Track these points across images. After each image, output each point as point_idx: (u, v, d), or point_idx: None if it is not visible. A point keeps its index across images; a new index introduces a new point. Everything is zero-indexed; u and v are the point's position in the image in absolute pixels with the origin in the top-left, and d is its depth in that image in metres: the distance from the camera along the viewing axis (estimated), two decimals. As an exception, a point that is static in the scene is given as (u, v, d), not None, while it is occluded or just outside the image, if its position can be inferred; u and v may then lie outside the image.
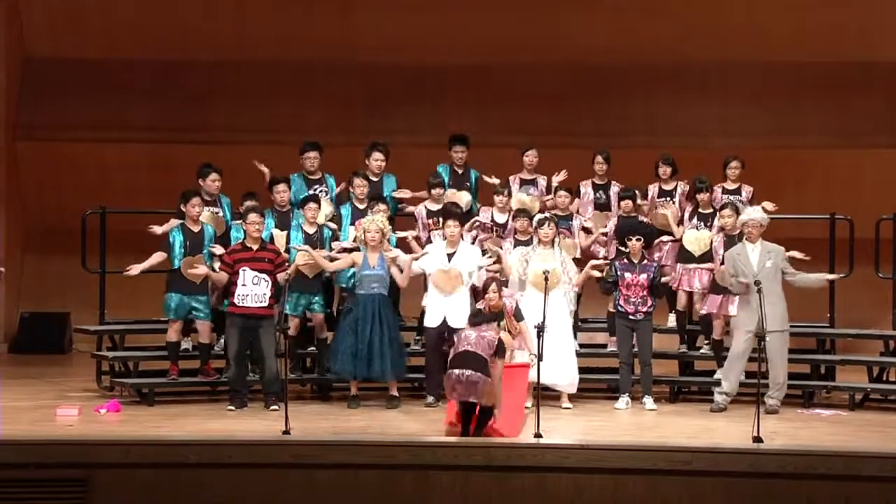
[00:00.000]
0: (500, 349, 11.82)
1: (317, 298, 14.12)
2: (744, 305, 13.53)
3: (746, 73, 18.38)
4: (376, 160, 14.72)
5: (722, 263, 13.78)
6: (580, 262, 14.24)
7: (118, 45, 18.48)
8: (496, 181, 14.80)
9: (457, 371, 11.60)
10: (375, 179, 14.73)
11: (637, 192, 14.70)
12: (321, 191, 14.65)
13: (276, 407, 13.21)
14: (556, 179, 14.78)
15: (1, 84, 18.15)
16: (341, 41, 18.48)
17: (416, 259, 13.85)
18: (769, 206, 14.49)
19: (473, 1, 18.33)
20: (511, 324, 13.14)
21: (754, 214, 13.69)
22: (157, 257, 13.89)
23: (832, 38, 18.06)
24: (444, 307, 13.62)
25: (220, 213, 14.39)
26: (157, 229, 13.87)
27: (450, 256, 13.72)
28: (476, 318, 12.02)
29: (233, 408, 13.39)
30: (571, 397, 13.81)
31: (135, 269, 13.85)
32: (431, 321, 13.71)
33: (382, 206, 14.11)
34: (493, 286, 12.80)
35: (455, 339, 12.07)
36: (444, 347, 13.30)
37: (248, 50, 18.46)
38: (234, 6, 18.60)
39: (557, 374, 13.52)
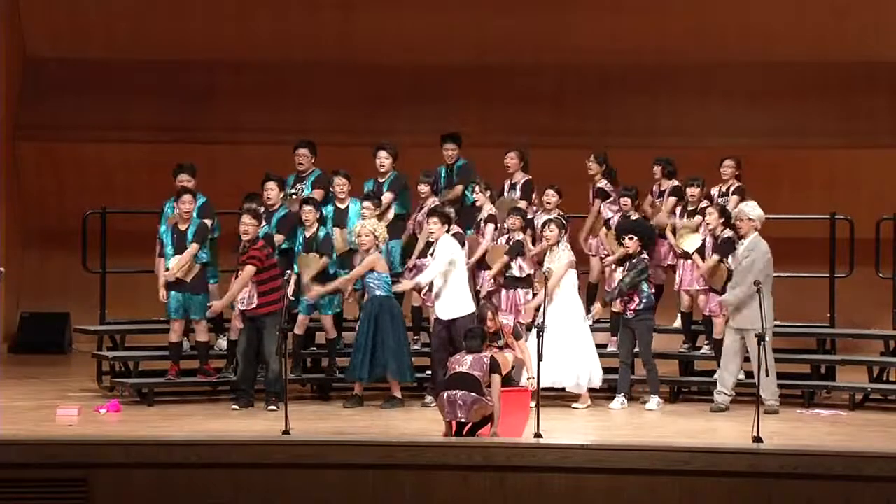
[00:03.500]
0: (493, 366, 11.80)
1: (324, 300, 14.09)
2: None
3: (747, 72, 18.34)
4: (379, 159, 14.65)
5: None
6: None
7: (119, 45, 18.47)
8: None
9: (448, 392, 11.62)
10: (382, 180, 14.71)
11: (637, 191, 14.69)
12: (300, 188, 14.63)
13: (273, 407, 13.21)
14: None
15: (1, 84, 18.13)
16: (342, 41, 18.46)
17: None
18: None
19: (474, 1, 18.32)
20: (511, 343, 13.19)
21: (744, 207, 13.70)
22: (161, 263, 14.02)
23: (833, 38, 18.02)
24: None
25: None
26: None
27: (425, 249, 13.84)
28: (472, 345, 11.97)
29: (237, 407, 13.40)
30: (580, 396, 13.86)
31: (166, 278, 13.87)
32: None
33: (367, 204, 14.08)
34: (489, 314, 12.78)
35: (450, 362, 12.04)
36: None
37: (248, 50, 18.44)
38: (234, 6, 18.59)
39: (577, 375, 13.72)
